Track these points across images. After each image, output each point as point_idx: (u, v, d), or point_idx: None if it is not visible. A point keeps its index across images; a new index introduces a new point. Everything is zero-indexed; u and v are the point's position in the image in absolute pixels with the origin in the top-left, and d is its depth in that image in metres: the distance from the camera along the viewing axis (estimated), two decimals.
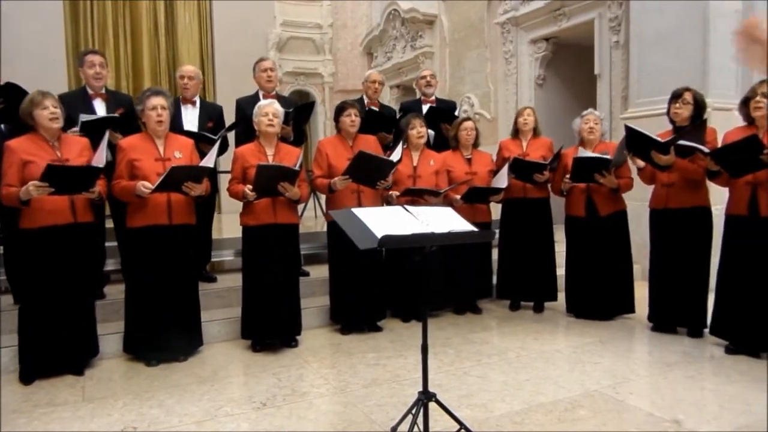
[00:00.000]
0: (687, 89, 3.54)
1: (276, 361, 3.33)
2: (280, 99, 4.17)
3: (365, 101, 4.63)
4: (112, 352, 3.41)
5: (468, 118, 4.59)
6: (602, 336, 3.68)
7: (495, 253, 4.52)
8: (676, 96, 3.55)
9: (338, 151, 3.83)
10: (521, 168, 4.10)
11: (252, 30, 9.63)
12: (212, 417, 2.57)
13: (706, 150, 3.24)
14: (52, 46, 7.94)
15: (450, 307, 4.37)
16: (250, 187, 3.34)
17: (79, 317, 3.12)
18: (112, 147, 3.35)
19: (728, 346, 3.30)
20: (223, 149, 4.05)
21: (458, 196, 4.07)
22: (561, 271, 4.31)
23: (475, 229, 2.32)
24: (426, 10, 8.93)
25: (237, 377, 3.13)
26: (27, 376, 3.03)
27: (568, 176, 3.94)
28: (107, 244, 3.97)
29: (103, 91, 3.80)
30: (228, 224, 5.89)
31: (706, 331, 3.46)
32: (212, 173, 3.73)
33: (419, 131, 4.12)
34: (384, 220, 2.03)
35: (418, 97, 5.16)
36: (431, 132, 4.44)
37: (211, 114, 4.24)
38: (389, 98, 9.73)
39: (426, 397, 2.11)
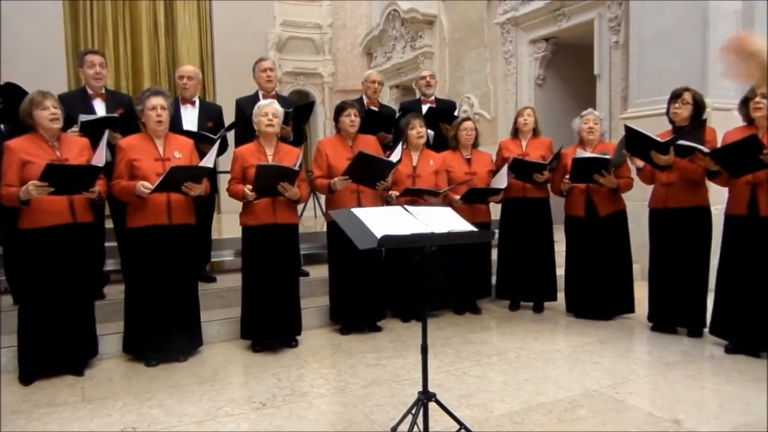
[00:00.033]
0: (686, 89, 3.55)
1: (276, 362, 3.33)
2: (280, 99, 4.17)
3: (365, 101, 4.63)
4: (112, 353, 3.41)
5: (467, 118, 4.59)
6: (602, 336, 3.68)
7: (494, 253, 4.53)
8: (676, 96, 3.55)
9: (338, 152, 3.83)
10: (521, 168, 4.10)
11: (252, 30, 9.63)
12: (212, 417, 2.57)
13: (706, 150, 3.24)
14: (52, 46, 7.95)
15: (449, 307, 4.37)
16: (250, 187, 3.34)
17: (78, 317, 3.12)
18: (112, 147, 3.35)
19: (728, 345, 3.30)
20: (222, 149, 4.06)
21: (458, 197, 4.08)
22: (560, 271, 4.31)
23: (475, 229, 2.33)
24: (425, 11, 8.93)
25: (237, 377, 3.13)
26: (27, 377, 3.03)
27: (567, 176, 3.95)
28: (107, 244, 3.97)
29: (103, 91, 3.79)
30: (228, 224, 5.89)
31: (706, 330, 3.46)
32: (212, 173, 3.73)
33: (419, 131, 4.12)
34: (383, 220, 2.03)
35: (417, 97, 5.16)
36: (431, 132, 4.45)
37: (210, 114, 4.24)
38: (389, 98, 9.73)
39: (426, 397, 2.11)
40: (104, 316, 3.55)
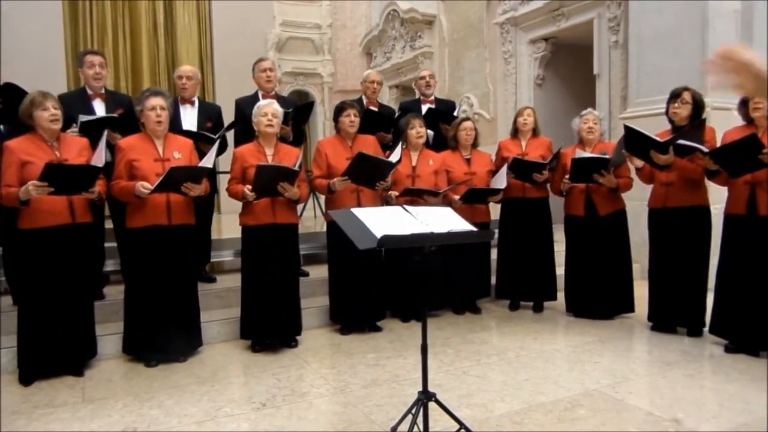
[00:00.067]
0: (686, 89, 3.55)
1: (276, 362, 3.33)
2: (280, 99, 4.17)
3: (364, 101, 4.63)
4: (112, 353, 3.41)
5: (467, 118, 4.59)
6: (602, 335, 3.68)
7: (494, 253, 4.53)
8: (675, 95, 3.56)
9: (337, 152, 3.83)
10: (521, 168, 4.10)
11: (251, 30, 9.62)
12: (212, 417, 2.57)
13: (705, 149, 3.25)
14: (52, 46, 7.94)
15: (449, 307, 4.37)
16: (250, 187, 3.34)
17: (78, 318, 3.11)
18: (111, 147, 3.35)
19: (727, 345, 3.30)
20: (222, 149, 4.05)
21: (457, 197, 4.08)
22: (560, 270, 4.31)
23: (475, 229, 2.33)
24: (425, 11, 8.93)
25: (237, 378, 3.13)
26: (26, 377, 3.03)
27: (567, 176, 3.95)
28: (107, 244, 3.97)
29: (103, 91, 3.79)
30: (227, 224, 5.89)
31: (706, 330, 3.46)
32: (211, 173, 3.73)
33: (418, 131, 4.12)
34: (383, 220, 2.03)
35: (417, 97, 5.16)
36: (430, 132, 4.44)
37: (209, 114, 4.24)
38: (388, 98, 9.74)
39: (426, 397, 2.11)
40: (104, 316, 3.55)
